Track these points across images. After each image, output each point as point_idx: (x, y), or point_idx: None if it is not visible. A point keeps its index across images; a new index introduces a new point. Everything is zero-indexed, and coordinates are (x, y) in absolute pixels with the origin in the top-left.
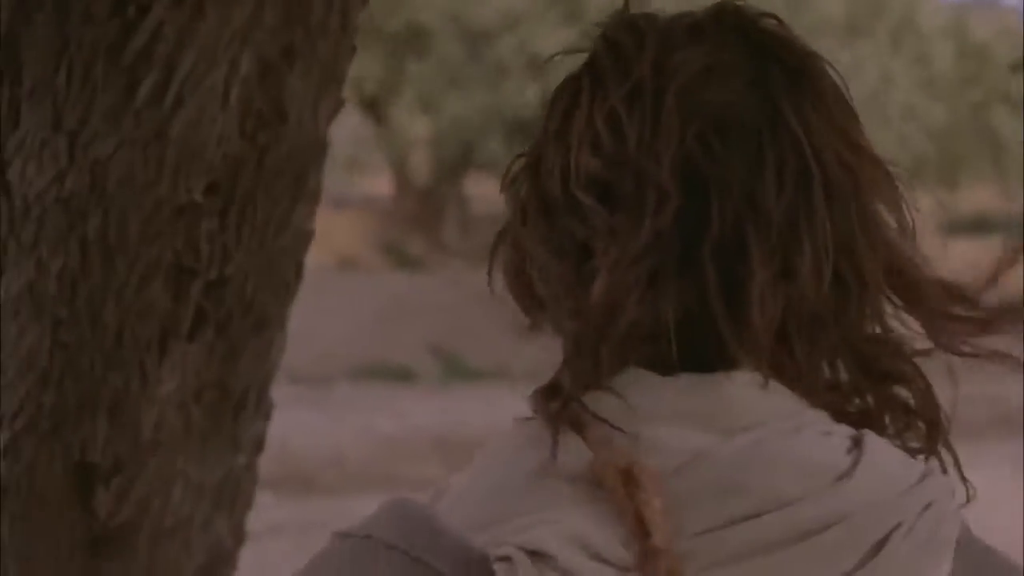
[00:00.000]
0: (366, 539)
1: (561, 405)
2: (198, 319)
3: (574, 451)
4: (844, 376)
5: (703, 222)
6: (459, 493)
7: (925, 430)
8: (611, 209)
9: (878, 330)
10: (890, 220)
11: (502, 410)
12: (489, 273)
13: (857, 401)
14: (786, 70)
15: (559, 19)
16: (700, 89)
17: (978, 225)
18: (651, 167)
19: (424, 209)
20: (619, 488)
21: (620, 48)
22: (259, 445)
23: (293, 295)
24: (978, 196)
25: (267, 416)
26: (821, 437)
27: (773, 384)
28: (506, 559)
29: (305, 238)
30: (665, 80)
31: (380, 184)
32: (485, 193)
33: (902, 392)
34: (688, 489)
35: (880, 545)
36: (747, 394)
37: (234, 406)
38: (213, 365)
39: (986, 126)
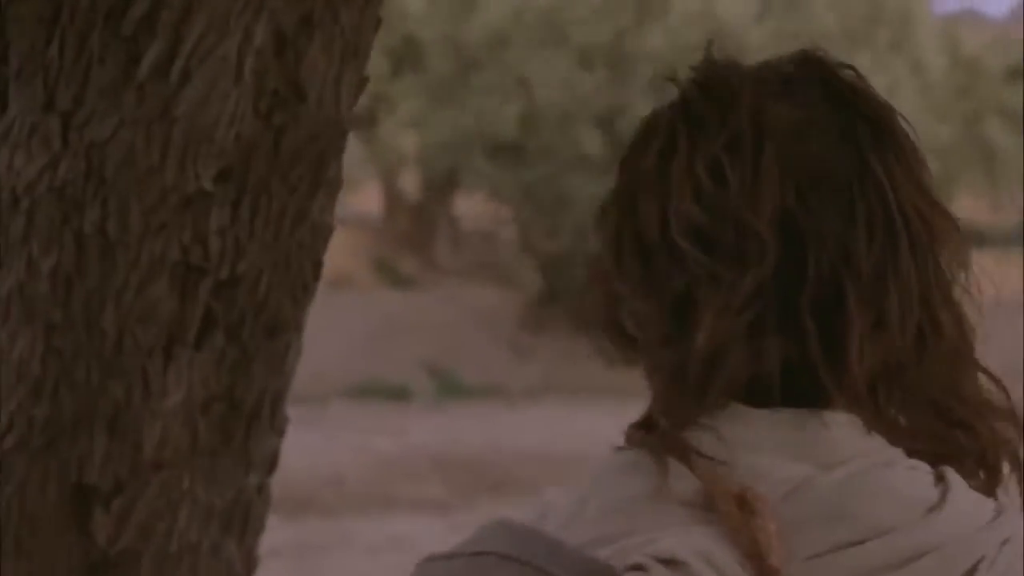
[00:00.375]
0: (477, 556)
1: (663, 436)
2: (206, 323)
3: (682, 478)
4: (916, 420)
5: (800, 273)
6: (567, 515)
7: (986, 476)
8: (711, 257)
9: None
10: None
11: (499, 428)
12: (587, 310)
13: (928, 445)
14: (870, 125)
15: (544, 41)
16: (797, 144)
17: (971, 238)
18: (751, 218)
19: (415, 227)
20: (734, 512)
21: (716, 96)
22: (272, 463)
23: (311, 296)
24: (970, 208)
25: (281, 431)
26: (911, 471)
27: (860, 424)
28: (639, 567)
29: (324, 232)
30: (763, 133)
31: (368, 201)
32: (474, 211)
33: (969, 439)
34: (796, 516)
35: (969, 575)
36: (840, 431)
37: (246, 419)
38: (223, 374)
39: (979, 137)
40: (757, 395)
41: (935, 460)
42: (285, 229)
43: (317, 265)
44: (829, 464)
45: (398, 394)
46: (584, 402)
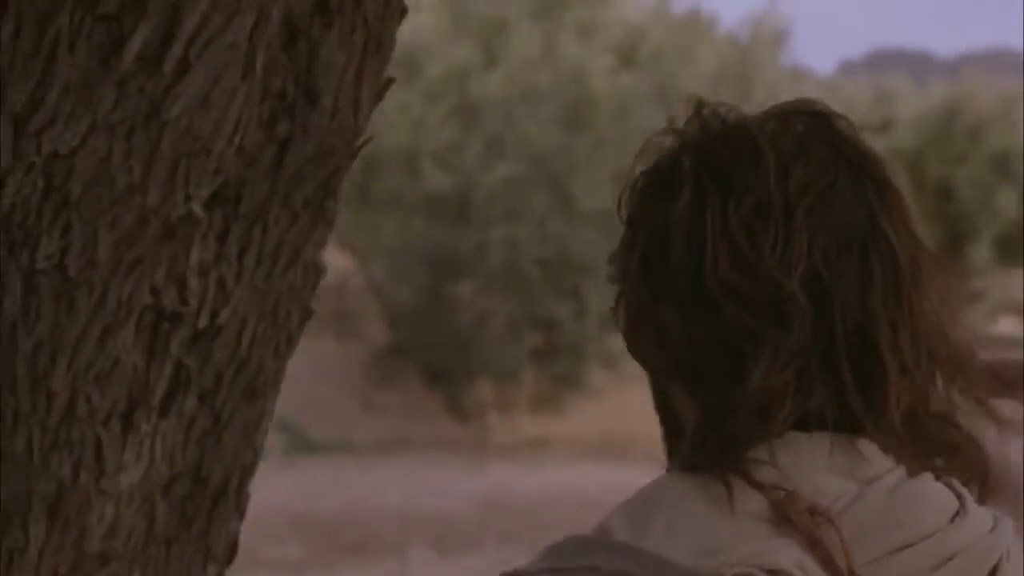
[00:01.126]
0: (592, 571)
1: (726, 461)
2: (176, 383)
3: (750, 497)
4: (923, 444)
5: (831, 329)
6: (640, 533)
7: (980, 489)
8: (752, 316)
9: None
10: (941, 309)
11: (354, 485)
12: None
13: (928, 464)
14: (875, 184)
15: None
16: (822, 209)
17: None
18: (785, 281)
19: None
20: (809, 523)
21: (739, 153)
22: (233, 550)
23: (293, 350)
24: None
25: (243, 512)
26: (934, 482)
27: (881, 445)
28: None
29: (316, 275)
30: (791, 198)
31: None
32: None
33: (963, 458)
34: (855, 525)
35: (993, 573)
36: (870, 452)
37: (211, 500)
38: (191, 446)
39: None
40: (803, 426)
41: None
42: (279, 268)
43: (306, 314)
44: (869, 480)
45: None
46: (435, 458)
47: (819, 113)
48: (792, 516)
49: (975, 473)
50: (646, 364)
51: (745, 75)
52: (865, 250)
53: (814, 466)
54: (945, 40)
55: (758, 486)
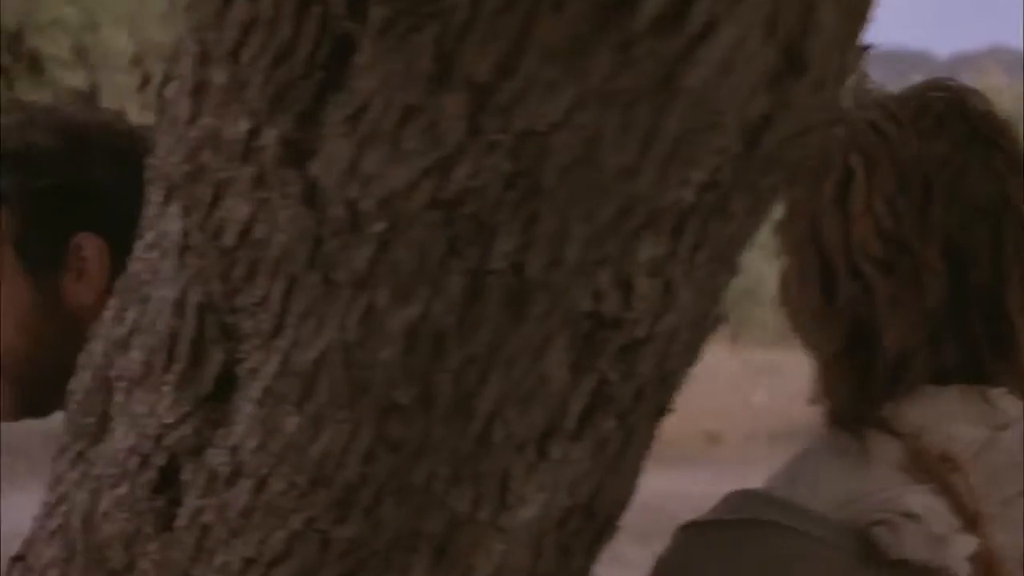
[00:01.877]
0: (752, 524)
1: (867, 418)
2: (595, 401)
3: (888, 447)
4: None
5: (964, 291)
6: (791, 486)
7: None
8: (892, 282)
9: None
10: None
11: None
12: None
13: None
14: (1005, 154)
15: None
16: (957, 182)
17: None
18: (923, 249)
19: None
20: (941, 470)
21: (885, 134)
22: None
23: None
24: None
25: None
26: None
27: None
28: (885, 522)
29: (735, 275)
30: (929, 172)
31: None
32: None
33: None
34: (988, 468)
35: None
36: (1003, 400)
37: (595, 535)
38: (596, 474)
39: None
40: (937, 379)
41: None
42: (723, 267)
43: (720, 321)
44: (1002, 425)
45: None
46: None
47: (955, 92)
48: (925, 464)
49: None
50: (800, 327)
51: None
52: (998, 219)
53: (947, 416)
54: (940, 40)
55: (895, 436)
